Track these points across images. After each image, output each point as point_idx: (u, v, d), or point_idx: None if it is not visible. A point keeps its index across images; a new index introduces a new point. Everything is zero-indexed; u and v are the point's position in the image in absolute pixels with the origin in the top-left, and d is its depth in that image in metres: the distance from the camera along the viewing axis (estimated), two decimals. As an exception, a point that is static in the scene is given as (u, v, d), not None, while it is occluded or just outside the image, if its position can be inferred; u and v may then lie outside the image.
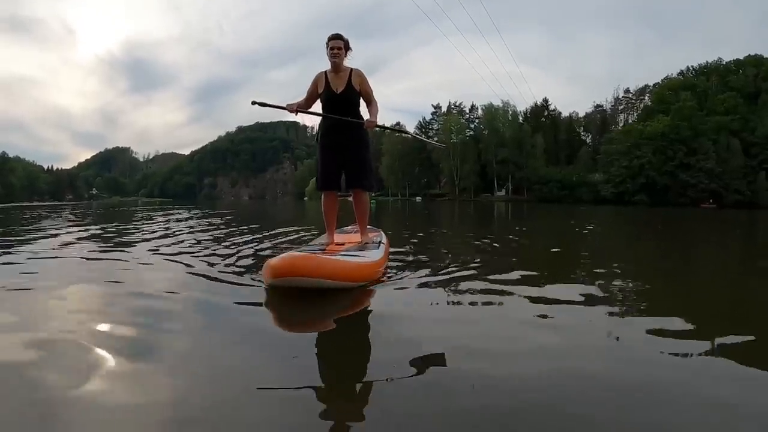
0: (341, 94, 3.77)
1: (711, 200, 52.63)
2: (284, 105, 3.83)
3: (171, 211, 19.70)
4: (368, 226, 4.30)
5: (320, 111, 3.87)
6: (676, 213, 26.68)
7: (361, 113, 3.93)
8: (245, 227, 8.95)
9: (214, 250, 5.02)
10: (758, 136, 56.05)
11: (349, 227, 5.03)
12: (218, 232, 7.91)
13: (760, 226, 14.95)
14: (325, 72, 3.83)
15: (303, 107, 3.86)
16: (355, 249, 3.43)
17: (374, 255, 3.32)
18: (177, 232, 7.75)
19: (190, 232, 7.77)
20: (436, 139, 77.95)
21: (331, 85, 3.78)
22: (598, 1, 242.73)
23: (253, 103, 3.82)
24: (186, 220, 12.51)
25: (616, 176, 60.97)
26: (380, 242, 3.98)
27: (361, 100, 3.91)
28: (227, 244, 5.67)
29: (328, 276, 2.69)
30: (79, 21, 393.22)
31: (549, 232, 9.63)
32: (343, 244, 3.70)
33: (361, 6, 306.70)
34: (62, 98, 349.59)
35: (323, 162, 3.87)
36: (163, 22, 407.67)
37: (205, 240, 6.25)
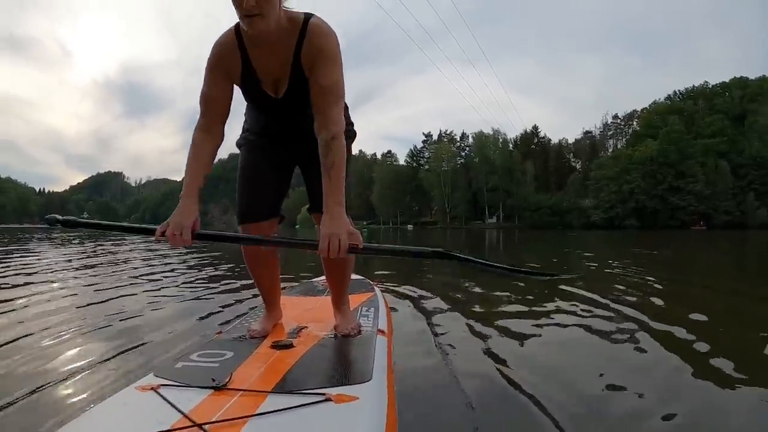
0: (285, 100, 1.59)
1: (701, 222, 52.44)
2: (147, 226, 1.54)
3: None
4: (357, 277, 2.55)
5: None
6: (671, 235, 25.29)
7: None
8: (182, 265, 6.39)
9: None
10: (746, 157, 56.17)
11: (321, 279, 2.79)
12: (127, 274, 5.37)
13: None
14: (235, 35, 1.51)
15: (200, 168, 1.57)
16: (308, 380, 1.22)
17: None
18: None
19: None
20: (427, 167, 79.01)
21: (258, 75, 1.55)
22: (586, 29, 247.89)
23: (51, 221, 1.54)
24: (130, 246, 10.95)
25: (605, 201, 61.01)
26: (374, 328, 1.83)
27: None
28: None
29: None
30: (77, 43, 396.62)
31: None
32: (290, 346, 1.52)
33: (356, 33, 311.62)
34: (56, 120, 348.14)
35: (249, 165, 1.78)
36: (160, 46, 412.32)
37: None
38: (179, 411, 1.00)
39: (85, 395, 1.64)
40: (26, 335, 2.45)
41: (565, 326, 2.81)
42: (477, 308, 3.41)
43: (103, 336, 2.46)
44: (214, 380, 1.17)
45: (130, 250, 9.69)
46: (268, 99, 1.59)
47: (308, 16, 1.49)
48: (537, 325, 2.83)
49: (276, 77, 1.54)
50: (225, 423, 0.95)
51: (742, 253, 11.31)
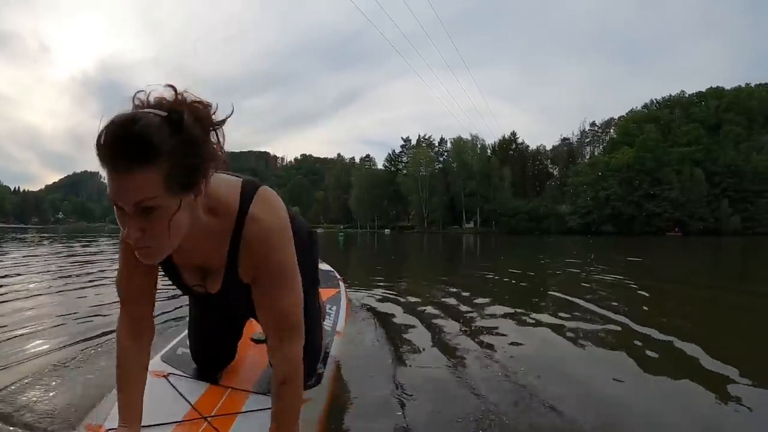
0: (222, 294, 1.14)
1: (677, 228, 52.90)
2: None
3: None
4: (325, 268, 3.18)
5: None
6: (648, 241, 25.57)
7: None
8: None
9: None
10: (720, 165, 56.75)
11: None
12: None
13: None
14: None
15: (138, 388, 1.08)
16: None
17: None
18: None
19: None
20: (405, 171, 78.57)
21: (180, 270, 1.14)
22: (564, 38, 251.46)
23: None
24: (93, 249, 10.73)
25: (582, 207, 61.22)
26: (333, 330, 2.06)
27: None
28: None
29: None
30: (56, 39, 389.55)
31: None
32: (264, 341, 1.69)
33: (341, 34, 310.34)
34: (33, 117, 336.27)
35: (199, 323, 1.52)
36: (140, 44, 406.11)
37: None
38: (188, 402, 1.28)
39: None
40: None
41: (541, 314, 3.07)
42: (445, 305, 3.52)
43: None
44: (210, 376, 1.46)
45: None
46: (197, 292, 1.17)
47: (246, 204, 0.98)
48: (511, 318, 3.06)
49: (205, 273, 1.11)
50: (222, 417, 1.23)
51: (716, 259, 11.72)
